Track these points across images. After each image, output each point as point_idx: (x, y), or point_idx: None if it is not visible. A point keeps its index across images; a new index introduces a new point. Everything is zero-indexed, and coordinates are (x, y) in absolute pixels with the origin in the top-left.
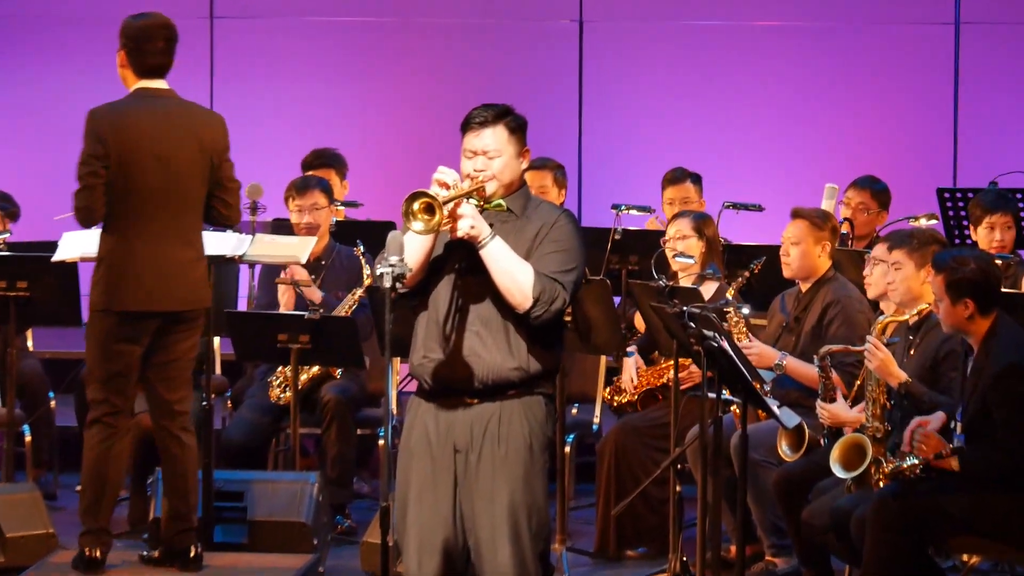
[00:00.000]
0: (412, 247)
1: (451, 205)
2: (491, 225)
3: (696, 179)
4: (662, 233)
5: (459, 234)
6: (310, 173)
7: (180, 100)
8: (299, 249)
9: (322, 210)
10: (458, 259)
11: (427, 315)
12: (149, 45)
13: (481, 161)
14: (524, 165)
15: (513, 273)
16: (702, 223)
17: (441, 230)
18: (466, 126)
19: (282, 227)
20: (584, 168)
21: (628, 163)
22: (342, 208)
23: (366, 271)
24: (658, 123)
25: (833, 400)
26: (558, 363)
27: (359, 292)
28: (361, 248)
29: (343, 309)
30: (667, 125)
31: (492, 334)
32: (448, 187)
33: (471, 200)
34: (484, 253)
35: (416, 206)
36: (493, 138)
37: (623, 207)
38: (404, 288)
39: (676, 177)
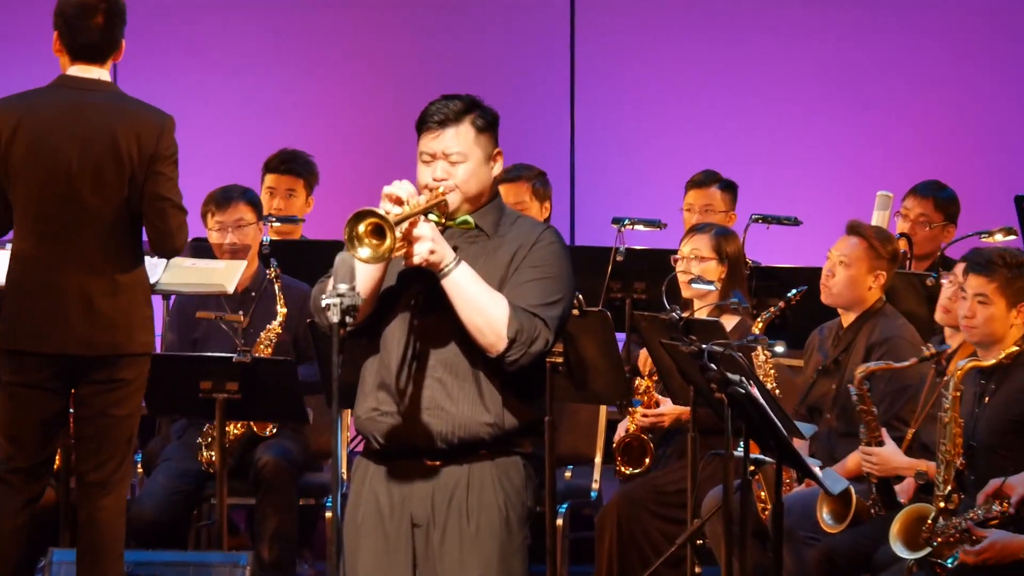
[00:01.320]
0: (358, 275)
1: (405, 225)
2: (455, 248)
3: (727, 186)
4: (670, 254)
5: (416, 261)
6: (270, 179)
7: (112, 94)
8: (225, 276)
9: (249, 227)
10: (415, 290)
11: (377, 359)
12: (83, 22)
13: (442, 168)
14: (496, 171)
15: (483, 308)
16: (723, 240)
17: (394, 256)
18: (422, 125)
19: (203, 248)
20: (577, 173)
21: (632, 168)
22: (276, 223)
23: (280, 301)
24: (669, 118)
25: (879, 443)
26: (540, 416)
27: (274, 326)
28: (275, 269)
29: (260, 349)
30: (680, 120)
31: (458, 382)
32: (401, 203)
33: (430, 217)
34: (447, 283)
35: (362, 228)
36: (456, 139)
37: (626, 221)
38: (350, 325)
39: (701, 180)
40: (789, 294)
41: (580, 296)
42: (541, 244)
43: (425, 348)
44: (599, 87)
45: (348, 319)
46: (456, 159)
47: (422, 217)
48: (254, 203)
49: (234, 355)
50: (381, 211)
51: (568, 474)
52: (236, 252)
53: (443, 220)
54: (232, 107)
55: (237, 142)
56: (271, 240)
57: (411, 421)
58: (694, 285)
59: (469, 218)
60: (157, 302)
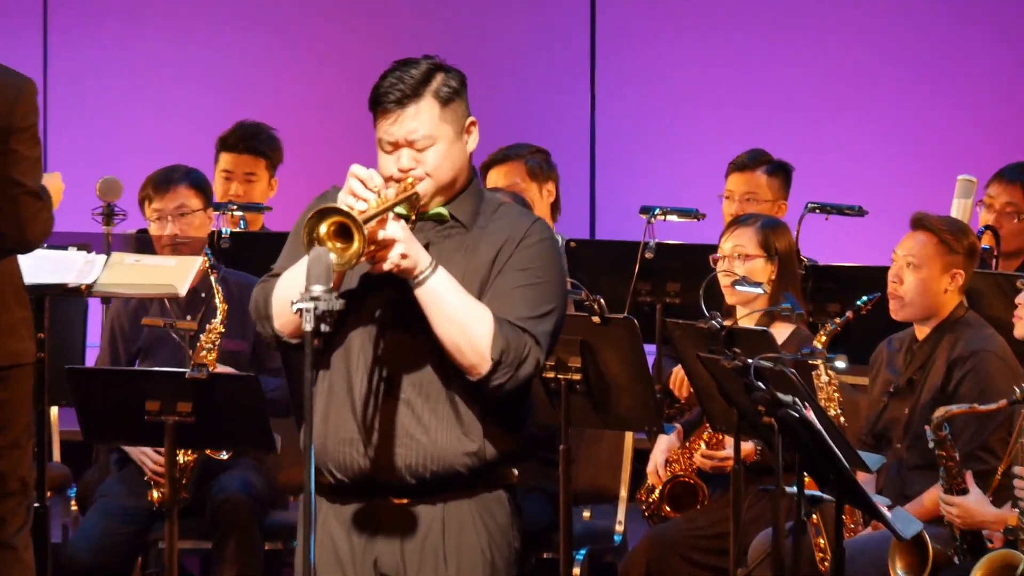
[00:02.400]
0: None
1: (372, 223)
2: (427, 245)
3: (777, 170)
4: (713, 251)
5: (385, 267)
6: (226, 160)
7: None
8: (177, 275)
9: (194, 215)
10: (381, 298)
11: (329, 377)
12: None
13: (407, 156)
14: (471, 145)
15: (464, 323)
16: (771, 233)
17: (362, 260)
18: (376, 106)
19: (150, 243)
20: (598, 154)
21: (663, 148)
22: (237, 212)
23: (218, 296)
24: (706, 92)
25: (963, 491)
26: (527, 441)
27: (215, 325)
28: (208, 259)
29: (201, 357)
30: (719, 95)
31: (431, 405)
32: (367, 198)
33: (398, 213)
34: (422, 293)
35: (324, 229)
36: (419, 119)
37: (657, 211)
38: (291, 337)
39: (745, 163)
40: (859, 301)
41: (601, 301)
42: (529, 241)
43: (392, 365)
44: (622, 55)
45: (324, 327)
46: (423, 143)
47: (391, 214)
48: (200, 186)
49: (186, 370)
50: (346, 207)
51: (587, 514)
52: (179, 246)
53: (412, 215)
54: (180, 74)
55: (186, 116)
56: (231, 232)
57: (374, 452)
58: (738, 288)
59: (443, 209)
60: (96, 306)
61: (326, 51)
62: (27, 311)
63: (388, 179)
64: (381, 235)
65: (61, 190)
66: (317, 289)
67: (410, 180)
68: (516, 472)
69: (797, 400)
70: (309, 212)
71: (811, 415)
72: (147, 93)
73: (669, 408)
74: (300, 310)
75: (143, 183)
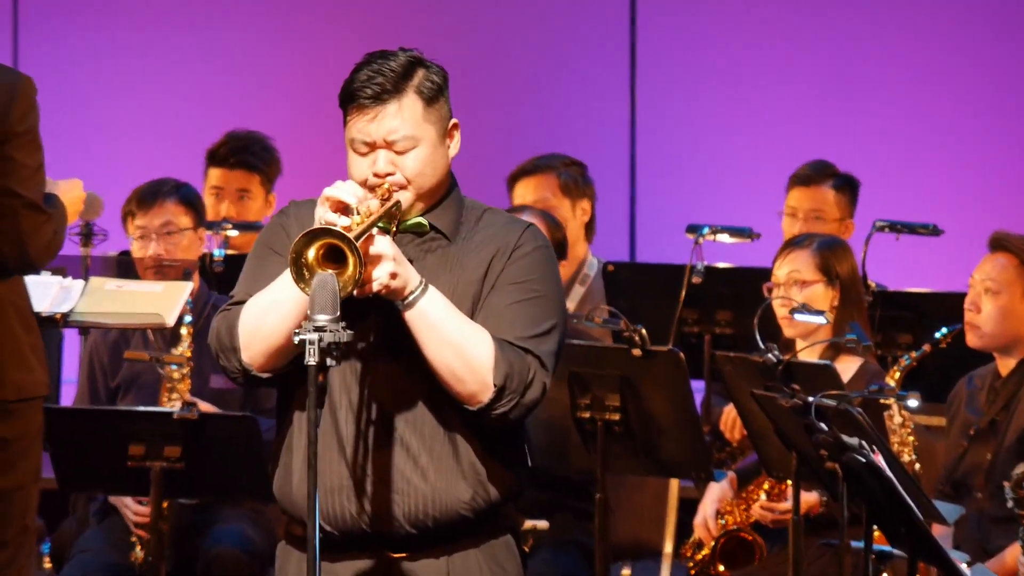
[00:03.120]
0: (280, 306)
1: (360, 241)
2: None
3: (844, 184)
4: (768, 275)
5: (374, 288)
6: (216, 175)
7: None
8: (164, 303)
9: (182, 235)
10: (365, 325)
11: (304, 415)
12: None
13: (385, 159)
14: (453, 151)
15: (462, 347)
16: (830, 255)
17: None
18: (350, 101)
19: (133, 266)
20: (639, 166)
21: (711, 160)
22: (233, 232)
23: (185, 321)
24: (758, 100)
25: None
26: (528, 475)
27: (182, 351)
28: (191, 284)
29: (164, 391)
30: (771, 101)
31: (428, 444)
32: (350, 212)
33: (378, 226)
34: (413, 316)
35: (311, 254)
36: (401, 116)
37: (706, 230)
38: (260, 371)
39: (809, 176)
40: (939, 334)
41: (643, 331)
42: (522, 251)
43: (382, 401)
44: (666, 56)
45: (330, 361)
46: (404, 145)
47: (375, 229)
48: (190, 202)
49: (174, 409)
50: (337, 227)
51: (626, 572)
52: (163, 269)
53: (393, 227)
54: (167, 78)
55: (174, 125)
56: (225, 254)
57: (367, 500)
58: (797, 317)
59: (422, 219)
60: (72, 338)
61: (331, 54)
62: (36, 337)
63: (362, 185)
64: (371, 250)
65: (80, 199)
66: (322, 318)
67: (386, 186)
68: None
69: (864, 443)
70: (259, 244)
71: (880, 460)
72: (130, 99)
73: (719, 452)
74: (303, 341)
75: (127, 198)
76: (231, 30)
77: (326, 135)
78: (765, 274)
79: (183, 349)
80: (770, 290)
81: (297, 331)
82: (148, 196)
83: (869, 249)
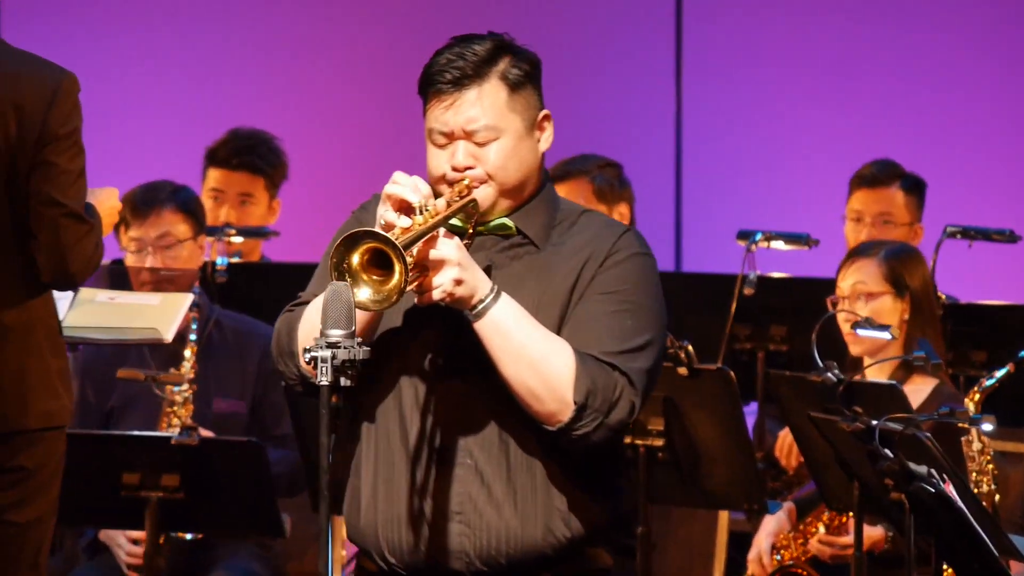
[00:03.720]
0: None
1: (419, 245)
2: (488, 269)
3: (913, 185)
4: (828, 286)
5: (436, 296)
6: (216, 177)
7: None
8: (161, 317)
9: (182, 246)
10: (433, 337)
11: (375, 437)
12: None
13: (464, 151)
14: (544, 144)
15: (539, 361)
16: (899, 265)
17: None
18: (428, 86)
19: (127, 276)
20: (685, 167)
21: (764, 160)
22: (237, 238)
23: (189, 344)
24: (813, 93)
25: None
26: (618, 511)
27: (184, 370)
28: (192, 295)
29: (164, 418)
30: (829, 96)
31: (503, 472)
32: (412, 211)
33: (452, 225)
34: (484, 327)
35: (356, 259)
36: (481, 105)
37: (759, 236)
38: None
39: (875, 176)
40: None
41: (690, 348)
42: (618, 257)
43: (451, 422)
44: (713, 47)
45: (345, 381)
46: (485, 136)
47: (442, 230)
48: (190, 209)
49: (173, 434)
50: (382, 231)
51: None
52: (161, 282)
53: (470, 227)
54: (163, 71)
55: (171, 120)
56: (229, 263)
57: (434, 531)
58: (861, 332)
59: (507, 220)
60: None
61: (346, 48)
62: (64, 360)
63: (439, 180)
64: (433, 255)
65: (117, 209)
66: (336, 334)
67: (466, 182)
68: (609, 556)
69: (934, 472)
70: (338, 237)
71: (951, 490)
72: (121, 92)
73: (774, 481)
74: (313, 359)
75: (121, 203)
76: (235, 18)
77: (342, 134)
78: (823, 285)
79: (186, 369)
80: (834, 303)
81: (307, 348)
82: (142, 204)
83: (939, 257)
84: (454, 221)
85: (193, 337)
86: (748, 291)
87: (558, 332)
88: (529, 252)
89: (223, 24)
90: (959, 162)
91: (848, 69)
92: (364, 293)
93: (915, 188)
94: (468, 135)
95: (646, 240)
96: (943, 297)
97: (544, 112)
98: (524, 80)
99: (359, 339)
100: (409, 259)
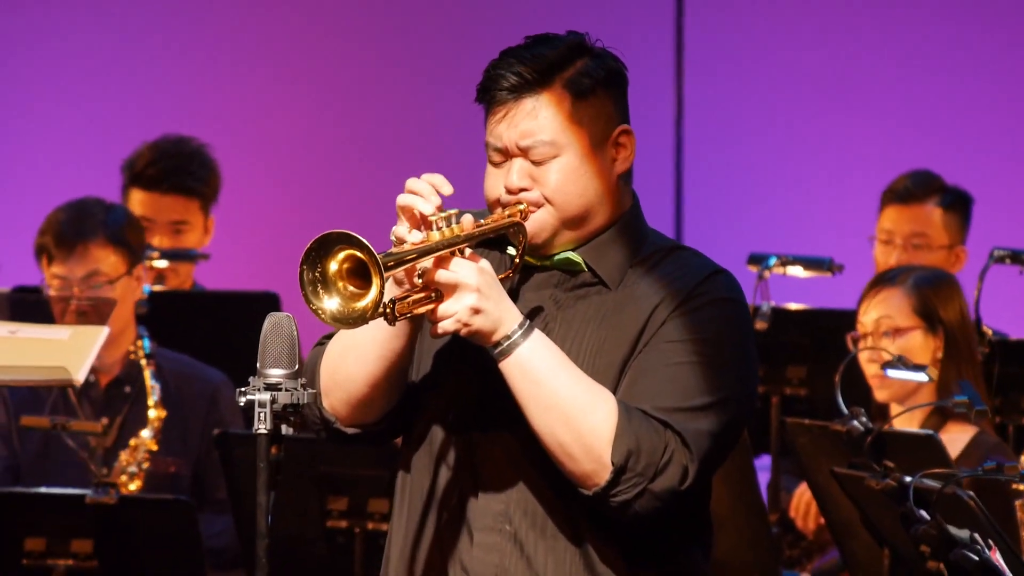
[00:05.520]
0: (358, 347)
1: (428, 263)
2: (537, 310)
3: (955, 201)
4: (853, 320)
5: (447, 327)
6: (142, 200)
7: None
8: (72, 354)
9: (113, 284)
10: (472, 381)
11: (407, 495)
12: None
13: (518, 171)
14: (621, 166)
15: (572, 412)
16: (932, 294)
17: (404, 316)
18: (485, 93)
19: (35, 306)
20: (686, 182)
21: (777, 175)
22: (161, 262)
23: (151, 398)
24: (834, 100)
25: None
26: None
27: (144, 440)
28: (144, 343)
29: (122, 481)
30: (851, 104)
31: (546, 541)
32: (428, 225)
33: (508, 251)
34: (509, 369)
35: (335, 266)
36: (538, 117)
37: (773, 261)
38: (345, 424)
39: (909, 191)
40: None
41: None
42: (698, 302)
43: (489, 482)
44: (714, 72)
45: (287, 429)
46: (541, 153)
47: (464, 250)
48: (121, 239)
49: (88, 491)
50: (359, 237)
51: None
52: (88, 314)
53: (518, 255)
54: (94, 80)
55: (89, 125)
56: (151, 291)
57: None
58: (892, 373)
59: (573, 254)
60: None
61: (284, 51)
62: None
63: (494, 204)
64: (442, 277)
65: None
66: (276, 373)
67: (522, 207)
68: None
69: (977, 537)
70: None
71: (998, 558)
72: (34, 95)
73: (791, 548)
74: (250, 403)
75: (42, 227)
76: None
77: (274, 143)
78: (848, 318)
79: (153, 430)
80: (855, 340)
81: (242, 390)
82: (68, 235)
83: (985, 285)
84: (511, 250)
85: (156, 393)
86: (761, 325)
87: (616, 385)
88: (600, 292)
89: (149, 24)
90: (1008, 176)
91: (880, 68)
92: (332, 304)
93: (957, 205)
94: (524, 152)
95: (739, 284)
96: (989, 332)
97: (623, 127)
98: (594, 88)
99: (384, 377)
100: (417, 279)
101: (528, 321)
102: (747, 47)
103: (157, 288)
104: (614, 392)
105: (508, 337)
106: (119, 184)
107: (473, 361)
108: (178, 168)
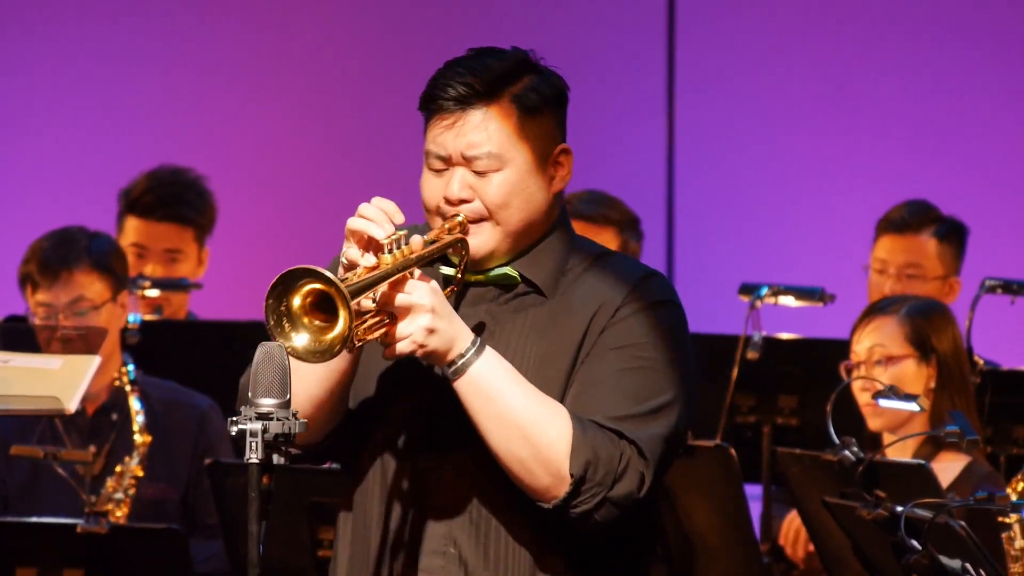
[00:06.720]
0: (302, 376)
1: (383, 288)
2: (479, 326)
3: (950, 232)
4: (845, 349)
5: (403, 349)
6: (137, 229)
7: None
8: (62, 382)
9: (98, 310)
10: (415, 402)
11: (351, 519)
12: None
13: (460, 180)
14: (559, 184)
15: (528, 427)
16: (925, 323)
17: (362, 340)
18: (430, 102)
19: (23, 334)
20: (678, 209)
21: (769, 201)
22: (152, 291)
23: (137, 424)
24: (828, 125)
25: None
26: None
27: (130, 467)
28: (128, 371)
29: (109, 508)
30: (845, 128)
31: (494, 564)
32: (379, 248)
33: (441, 270)
34: (464, 387)
35: (298, 301)
36: (486, 128)
37: (765, 291)
38: (292, 448)
39: (904, 220)
40: None
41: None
42: (634, 307)
43: (434, 503)
44: (707, 84)
45: (278, 459)
46: (485, 165)
47: (417, 271)
48: (106, 265)
49: (79, 521)
50: (323, 271)
51: None
52: (73, 342)
53: (459, 273)
54: (87, 104)
55: (94, 158)
56: (142, 321)
57: None
58: (884, 403)
59: (510, 269)
60: None
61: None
62: None
63: (433, 212)
64: (400, 299)
65: None
66: (268, 403)
67: (460, 218)
68: None
69: (969, 567)
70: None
71: None
72: (25, 120)
73: None
74: (241, 432)
75: (25, 256)
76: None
77: (269, 174)
78: (840, 347)
79: (136, 460)
80: (848, 369)
81: (234, 419)
82: (52, 263)
83: (976, 315)
84: (445, 270)
85: (140, 419)
86: (752, 355)
87: (563, 395)
88: (535, 303)
89: (145, 54)
90: (1001, 205)
91: (873, 95)
92: (302, 339)
93: (951, 236)
94: (468, 162)
95: (672, 286)
96: (980, 362)
97: (562, 146)
98: (541, 106)
99: (327, 399)
100: (370, 303)
101: (479, 338)
102: (739, 72)
103: (152, 318)
104: (561, 402)
105: (462, 355)
106: (112, 213)
107: (418, 383)
108: (174, 197)
